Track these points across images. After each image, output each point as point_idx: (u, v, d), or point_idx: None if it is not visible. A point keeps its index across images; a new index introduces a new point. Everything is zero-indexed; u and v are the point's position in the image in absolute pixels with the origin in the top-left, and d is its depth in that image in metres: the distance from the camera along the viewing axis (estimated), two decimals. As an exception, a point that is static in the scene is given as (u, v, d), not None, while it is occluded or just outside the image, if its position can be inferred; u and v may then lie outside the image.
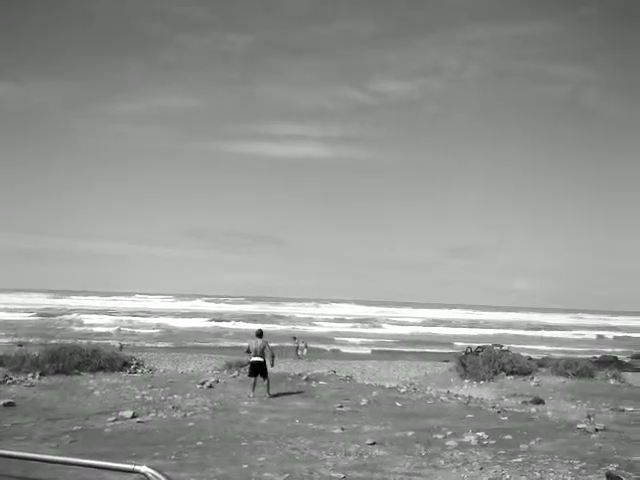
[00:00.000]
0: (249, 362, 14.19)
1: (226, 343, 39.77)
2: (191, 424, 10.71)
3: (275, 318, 66.76)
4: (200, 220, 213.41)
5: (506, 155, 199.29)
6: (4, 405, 11.79)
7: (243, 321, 59.79)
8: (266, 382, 13.94)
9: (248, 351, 14.15)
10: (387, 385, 16.86)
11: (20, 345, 26.46)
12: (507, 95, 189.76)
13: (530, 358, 22.16)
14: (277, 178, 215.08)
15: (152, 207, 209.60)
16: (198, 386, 14.75)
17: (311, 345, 35.47)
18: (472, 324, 70.41)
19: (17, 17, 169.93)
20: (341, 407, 12.66)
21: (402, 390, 15.62)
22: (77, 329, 45.38)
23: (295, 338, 32.99)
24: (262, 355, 13.84)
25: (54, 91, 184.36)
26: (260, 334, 14.26)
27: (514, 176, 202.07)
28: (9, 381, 14.58)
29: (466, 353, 21.68)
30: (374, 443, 9.17)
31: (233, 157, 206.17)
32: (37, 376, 15.28)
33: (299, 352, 29.92)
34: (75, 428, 10.17)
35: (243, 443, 9.19)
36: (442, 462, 8.17)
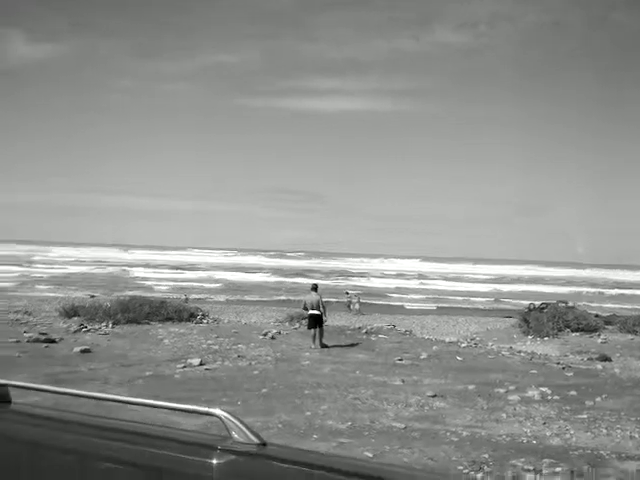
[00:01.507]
0: (308, 315, 14.68)
1: (286, 296, 40.56)
2: (256, 372, 11.08)
3: (331, 273, 67.38)
4: (253, 178, 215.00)
5: (572, 109, 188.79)
6: (81, 351, 12.52)
7: (301, 276, 60.75)
8: (320, 332, 14.39)
9: (305, 306, 14.72)
10: (447, 340, 16.84)
11: (92, 296, 27.93)
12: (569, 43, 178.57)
13: (597, 315, 21.53)
14: (326, 134, 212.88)
15: (196, 165, 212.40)
16: (261, 337, 15.19)
17: (369, 300, 35.62)
18: (536, 281, 68.93)
19: None
20: (401, 360, 12.77)
21: (463, 345, 15.57)
22: (142, 282, 47.24)
23: (347, 292, 33.22)
24: (318, 308, 14.39)
25: (93, 50, 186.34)
26: (315, 288, 14.95)
27: (580, 132, 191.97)
28: (84, 329, 15.44)
29: (529, 310, 21.25)
30: (435, 395, 9.24)
31: (280, 113, 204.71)
32: (110, 325, 16.10)
33: (351, 306, 30.17)
34: (147, 374, 10.71)
35: (306, 392, 9.44)
36: (504, 416, 8.16)
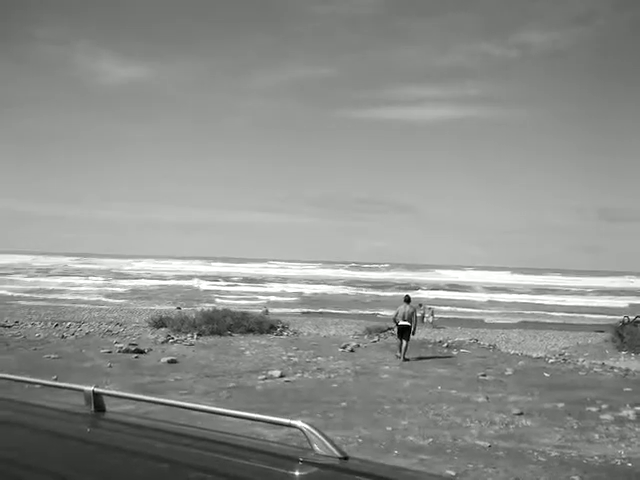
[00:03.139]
0: (397, 325, 14.71)
1: (365, 309, 40.41)
2: (335, 385, 11.09)
3: (413, 285, 66.47)
4: (329, 188, 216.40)
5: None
6: (168, 362, 13.00)
7: (378, 288, 60.37)
8: (405, 345, 14.30)
9: (396, 315, 14.70)
10: (534, 355, 16.19)
11: (179, 308, 28.99)
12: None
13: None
14: (409, 143, 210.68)
15: (280, 176, 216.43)
16: (340, 350, 15.21)
17: (449, 312, 34.85)
18: (630, 292, 65.02)
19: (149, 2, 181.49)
20: (484, 376, 12.39)
21: (550, 360, 14.91)
22: (223, 294, 48.52)
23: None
24: (409, 320, 14.38)
25: (188, 70, 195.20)
26: (408, 300, 14.90)
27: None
28: (171, 340, 16.04)
29: (623, 323, 20.05)
30: (521, 413, 8.89)
31: (364, 124, 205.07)
32: (195, 336, 16.66)
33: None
34: (230, 385, 10.97)
35: (386, 406, 9.35)
36: (596, 436, 7.73)
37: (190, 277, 69.46)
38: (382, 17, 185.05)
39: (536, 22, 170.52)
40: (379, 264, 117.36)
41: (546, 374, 12.76)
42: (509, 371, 12.90)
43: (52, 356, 13.05)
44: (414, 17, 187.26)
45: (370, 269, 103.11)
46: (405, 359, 14.07)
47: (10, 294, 41.70)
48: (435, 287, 64.00)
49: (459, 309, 41.56)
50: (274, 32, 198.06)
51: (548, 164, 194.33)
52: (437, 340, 17.52)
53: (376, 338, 17.56)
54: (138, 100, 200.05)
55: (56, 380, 8.90)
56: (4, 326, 18.62)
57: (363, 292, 57.19)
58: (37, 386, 6.45)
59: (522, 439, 7.55)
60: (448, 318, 33.57)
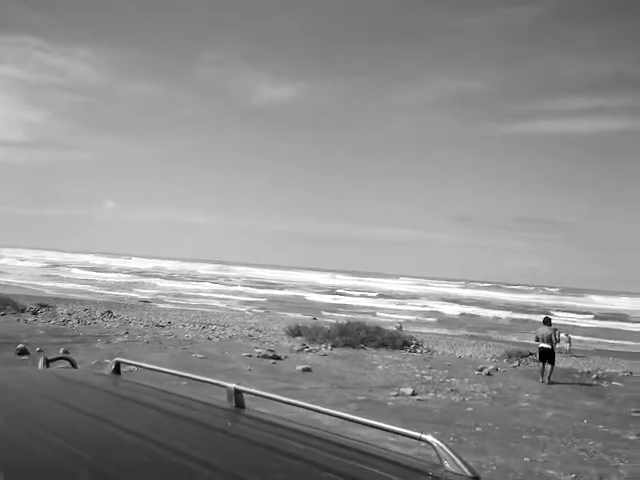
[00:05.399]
0: (538, 348, 14.30)
1: (507, 332, 38.56)
2: (469, 409, 10.69)
3: (551, 308, 62.28)
4: (475, 205, 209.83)
5: None
6: (303, 370, 13.35)
7: (522, 311, 57.28)
8: (549, 369, 13.86)
9: (537, 339, 14.32)
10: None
11: (314, 319, 29.70)
12: None
13: None
14: (567, 157, 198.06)
15: (421, 193, 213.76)
16: (476, 372, 14.65)
17: (596, 343, 32.14)
18: None
19: (287, 22, 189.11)
20: (638, 412, 11.25)
21: None
22: (354, 308, 48.84)
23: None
24: (550, 342, 13.98)
25: (335, 88, 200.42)
26: (547, 321, 14.50)
27: None
28: (306, 349, 16.47)
29: None
30: (681, 458, 7.95)
31: (516, 137, 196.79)
32: (329, 347, 16.95)
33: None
34: (360, 398, 11.00)
35: (524, 436, 8.83)
36: None
37: (332, 289, 70.89)
38: (536, 27, 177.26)
39: None
40: (529, 285, 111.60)
41: None
42: (669, 411, 11.60)
43: (198, 356, 13.95)
44: (573, 25, 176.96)
45: (516, 290, 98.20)
46: (550, 382, 13.59)
47: (150, 297, 45.28)
48: (586, 312, 59.46)
49: (609, 341, 38.18)
50: (420, 46, 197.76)
51: None
52: (585, 370, 16.26)
53: (516, 363, 16.68)
54: (288, 118, 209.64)
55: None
56: (159, 326, 20.29)
57: (505, 314, 54.64)
58: (184, 383, 6.92)
59: (683, 488, 6.76)
60: (598, 349, 30.99)
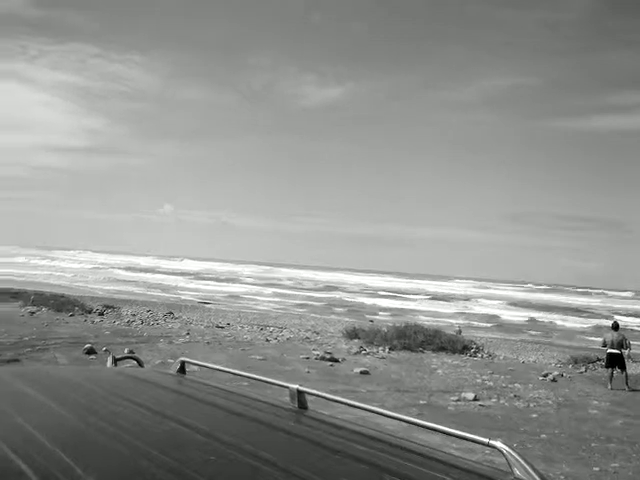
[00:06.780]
0: (606, 354, 13.98)
1: (571, 336, 37.27)
2: (534, 415, 10.36)
3: (616, 312, 59.66)
4: (524, 203, 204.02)
5: None
6: (360, 373, 13.28)
7: (583, 314, 55.23)
8: (624, 374, 13.50)
9: (604, 344, 14.03)
10: None
11: (371, 321, 29.59)
12: None
13: None
14: (623, 154, 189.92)
15: (473, 191, 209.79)
16: (540, 378, 14.20)
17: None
18: None
19: (336, 23, 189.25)
20: None
21: None
22: (417, 312, 48.30)
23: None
24: (619, 347, 13.66)
25: (382, 86, 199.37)
26: (616, 327, 14.17)
27: None
28: (364, 352, 16.39)
29: None
30: None
31: (571, 133, 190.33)
32: (387, 350, 16.81)
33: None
34: (421, 402, 10.84)
35: (593, 444, 8.48)
36: None
37: (384, 291, 70.51)
38: (588, 20, 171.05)
39: None
40: (588, 288, 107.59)
41: None
42: None
43: (257, 357, 14.12)
44: (629, 17, 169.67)
45: (575, 292, 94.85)
46: (631, 389, 13.24)
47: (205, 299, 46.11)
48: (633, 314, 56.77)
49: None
50: (469, 42, 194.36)
51: None
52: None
53: (583, 369, 16.07)
54: (335, 119, 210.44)
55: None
56: (218, 327, 20.68)
57: (567, 317, 52.85)
58: (244, 383, 6.98)
59: None
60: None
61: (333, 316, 36.43)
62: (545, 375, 14.43)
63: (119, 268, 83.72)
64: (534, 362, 18.19)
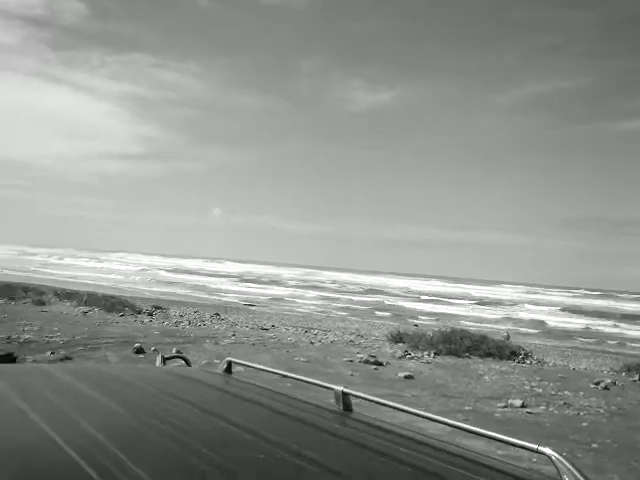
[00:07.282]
0: None
1: (621, 345, 36.00)
2: (585, 424, 10.06)
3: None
4: (581, 208, 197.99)
5: None
6: (404, 377, 13.17)
7: (631, 322, 53.22)
8: None
9: None
10: None
11: (416, 325, 29.29)
12: None
13: None
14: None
15: (523, 195, 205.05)
16: (592, 385, 13.77)
17: None
18: None
19: (379, 27, 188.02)
20: None
21: None
22: (462, 316, 47.56)
23: None
24: None
25: (431, 91, 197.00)
26: None
27: None
28: (408, 356, 16.24)
29: None
30: None
31: (623, 135, 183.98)
32: (432, 354, 16.61)
33: None
34: (466, 408, 10.67)
35: (647, 456, 8.17)
36: None
37: (428, 295, 69.72)
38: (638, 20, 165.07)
39: None
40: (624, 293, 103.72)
41: None
42: None
43: (301, 359, 14.17)
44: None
45: (632, 299, 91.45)
46: None
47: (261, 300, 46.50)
48: None
49: None
50: (517, 44, 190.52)
51: None
52: None
53: (637, 377, 15.49)
54: (385, 123, 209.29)
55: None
56: (263, 329, 20.86)
57: (623, 324, 51.06)
58: (288, 384, 7.03)
59: None
60: None
61: (376, 320, 36.24)
62: (597, 383, 13.98)
63: (165, 270, 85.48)
64: (585, 369, 17.65)
